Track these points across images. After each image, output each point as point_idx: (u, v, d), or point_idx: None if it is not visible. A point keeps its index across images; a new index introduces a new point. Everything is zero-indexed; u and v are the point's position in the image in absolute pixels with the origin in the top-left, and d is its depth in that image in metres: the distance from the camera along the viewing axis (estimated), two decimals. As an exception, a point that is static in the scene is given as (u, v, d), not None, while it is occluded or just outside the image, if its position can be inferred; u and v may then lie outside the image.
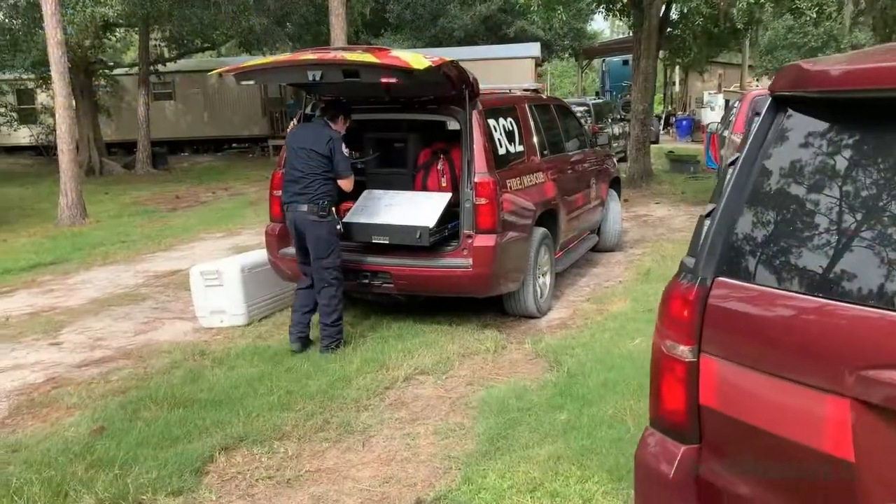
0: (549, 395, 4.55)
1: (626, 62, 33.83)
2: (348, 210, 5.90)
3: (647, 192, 13.97)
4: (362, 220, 5.69)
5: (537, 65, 26.78)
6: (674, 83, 38.98)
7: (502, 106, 6.21)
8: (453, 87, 5.41)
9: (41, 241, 11.38)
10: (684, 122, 29.08)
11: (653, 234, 9.89)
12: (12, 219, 14.18)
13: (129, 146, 22.97)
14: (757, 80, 32.28)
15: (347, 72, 4.85)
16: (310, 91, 6.01)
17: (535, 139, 6.50)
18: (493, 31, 30.20)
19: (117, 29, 22.48)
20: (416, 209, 5.66)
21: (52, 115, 25.84)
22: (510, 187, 5.76)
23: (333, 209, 5.30)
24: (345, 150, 5.24)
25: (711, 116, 25.28)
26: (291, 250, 5.72)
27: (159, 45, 23.64)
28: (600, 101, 22.72)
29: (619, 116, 23.60)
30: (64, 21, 18.13)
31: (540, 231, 6.24)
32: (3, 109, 25.76)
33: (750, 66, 33.19)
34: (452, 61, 5.00)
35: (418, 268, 5.56)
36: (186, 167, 23.76)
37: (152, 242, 10.76)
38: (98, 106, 26.04)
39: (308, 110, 6.06)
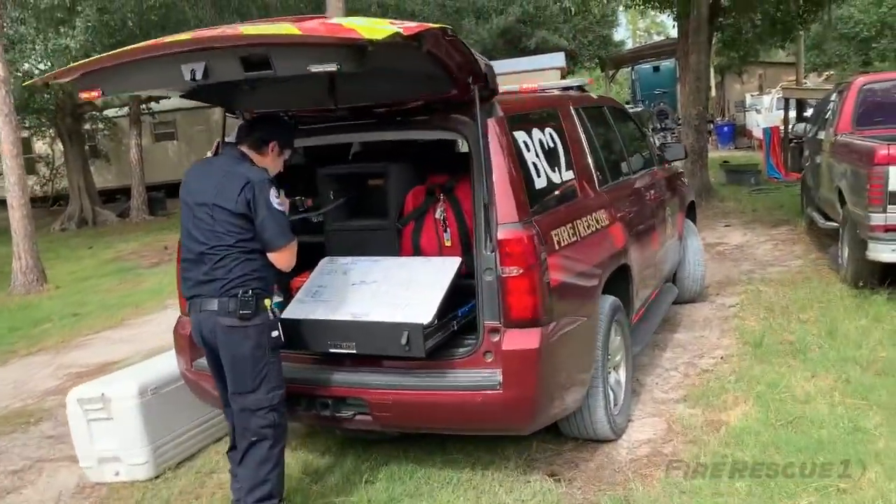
0: None
1: (656, 69, 31.52)
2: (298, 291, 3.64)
3: (711, 213, 11.51)
4: (313, 313, 3.41)
5: (563, 76, 24.66)
6: (709, 87, 36.43)
7: (537, 111, 3.95)
8: (453, 80, 3.16)
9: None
10: (725, 129, 26.62)
11: (739, 273, 7.47)
12: (-31, 285, 12.27)
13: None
14: (805, 77, 29.58)
15: (251, 60, 2.61)
16: (232, 107, 3.79)
17: (589, 159, 4.20)
18: (512, 45, 28.07)
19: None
20: (403, 290, 3.38)
21: (46, 165, 24.70)
22: (559, 241, 3.47)
23: (267, 302, 3.05)
24: (276, 201, 3.01)
25: (757, 120, 22.94)
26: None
27: (154, 81, 21.77)
28: (639, 109, 20.40)
29: (657, 126, 21.28)
30: (22, 60, 16.50)
31: (609, 302, 3.93)
32: (-5, 160, 24.21)
33: (790, 64, 30.55)
34: (443, 29, 2.74)
35: (411, 390, 3.27)
36: (188, 211, 21.80)
37: (106, 315, 8.65)
38: (96, 150, 24.56)
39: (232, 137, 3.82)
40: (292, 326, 3.31)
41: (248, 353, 2.98)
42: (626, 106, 23.05)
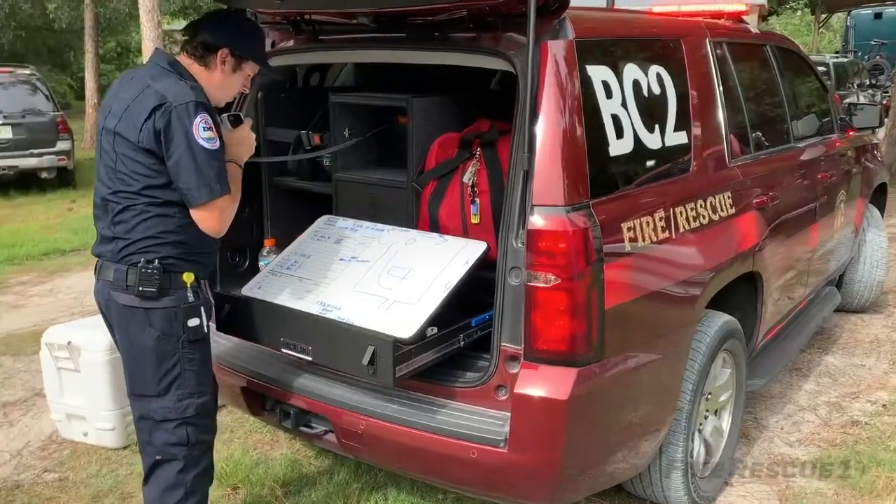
0: None
1: (878, 16, 27.38)
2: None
3: (911, 194, 9.40)
4: (277, 295, 2.51)
5: (762, 17, 21.76)
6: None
7: (640, 39, 2.74)
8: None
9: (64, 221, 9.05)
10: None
11: (934, 280, 5.79)
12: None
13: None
14: None
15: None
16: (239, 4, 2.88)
17: (721, 118, 2.94)
18: (708, -25, 25.15)
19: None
20: (398, 280, 2.40)
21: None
22: (634, 238, 2.33)
23: (187, 278, 2.18)
24: (203, 135, 2.10)
25: None
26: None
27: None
28: (844, 59, 17.51)
29: (867, 82, 18.24)
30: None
31: (718, 324, 2.75)
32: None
33: None
34: None
35: (387, 421, 2.33)
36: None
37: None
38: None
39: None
40: (245, 307, 2.46)
41: (151, 344, 2.15)
42: (833, 56, 20.00)
